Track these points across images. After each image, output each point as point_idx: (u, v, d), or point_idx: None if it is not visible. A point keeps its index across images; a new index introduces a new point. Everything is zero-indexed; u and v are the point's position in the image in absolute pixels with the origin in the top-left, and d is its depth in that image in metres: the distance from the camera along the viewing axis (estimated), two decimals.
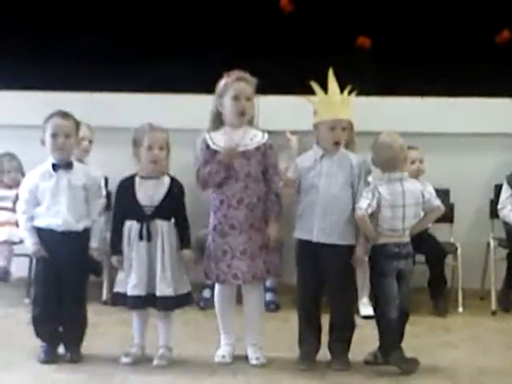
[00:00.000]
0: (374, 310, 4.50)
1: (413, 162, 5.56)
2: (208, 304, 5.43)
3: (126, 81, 6.10)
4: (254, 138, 4.49)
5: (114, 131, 5.87)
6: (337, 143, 4.42)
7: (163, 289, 4.39)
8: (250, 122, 4.54)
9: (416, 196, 4.43)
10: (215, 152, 4.46)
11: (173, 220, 4.47)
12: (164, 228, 4.43)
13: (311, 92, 4.49)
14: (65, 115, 4.51)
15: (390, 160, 4.42)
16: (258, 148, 4.48)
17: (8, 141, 6.08)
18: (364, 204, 4.34)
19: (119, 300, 4.49)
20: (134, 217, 4.42)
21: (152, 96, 6.16)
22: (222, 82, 4.51)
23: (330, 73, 4.42)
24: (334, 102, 4.42)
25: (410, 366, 4.33)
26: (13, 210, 5.57)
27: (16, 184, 5.71)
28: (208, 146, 4.49)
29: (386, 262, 4.38)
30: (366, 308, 5.45)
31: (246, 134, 4.48)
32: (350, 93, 4.43)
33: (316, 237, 4.39)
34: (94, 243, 4.51)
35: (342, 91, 4.42)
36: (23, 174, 5.59)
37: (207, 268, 4.53)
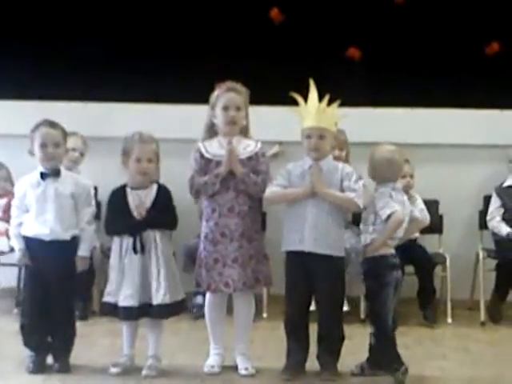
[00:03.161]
0: (373, 324, 4.43)
1: (403, 176, 5.54)
2: (201, 311, 5.42)
3: (117, 91, 6.10)
4: (246, 147, 4.52)
5: (105, 141, 5.87)
6: (314, 151, 4.42)
7: (159, 297, 4.38)
8: (244, 132, 4.56)
9: (408, 208, 4.47)
10: (209, 161, 4.49)
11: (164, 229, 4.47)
12: (157, 237, 4.42)
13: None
14: (52, 124, 4.48)
15: (396, 171, 4.46)
16: (250, 158, 4.50)
17: None
18: (398, 207, 4.33)
19: (108, 310, 4.47)
20: (126, 228, 4.41)
21: (143, 106, 6.16)
22: (214, 94, 4.55)
23: (311, 83, 4.44)
24: (311, 110, 4.43)
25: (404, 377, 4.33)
26: (2, 219, 5.58)
27: (5, 193, 5.71)
28: (202, 155, 4.51)
29: (390, 272, 4.37)
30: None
31: (238, 144, 4.49)
32: (330, 103, 4.42)
33: (308, 247, 4.38)
34: (81, 252, 4.49)
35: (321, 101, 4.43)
36: (12, 183, 5.59)
37: (198, 276, 4.53)
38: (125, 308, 4.38)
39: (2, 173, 5.90)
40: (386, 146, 4.53)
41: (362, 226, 4.46)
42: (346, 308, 5.37)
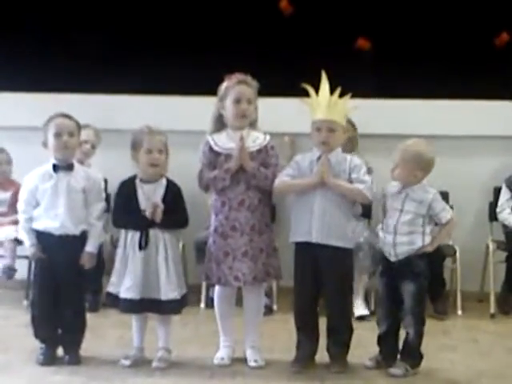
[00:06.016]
0: (419, 322, 4.39)
1: None
2: None
3: (125, 82, 6.10)
4: (256, 140, 4.50)
5: (114, 133, 5.87)
6: (323, 144, 4.40)
7: (170, 293, 4.38)
8: (253, 125, 4.54)
9: None
10: (218, 154, 4.47)
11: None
12: (166, 235, 4.42)
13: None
14: (67, 116, 4.51)
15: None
16: (259, 150, 4.48)
17: (4, 142, 6.07)
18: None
19: (110, 301, 4.48)
20: (134, 223, 4.41)
21: (151, 98, 6.16)
22: (223, 85, 4.51)
23: (323, 75, 4.42)
24: (321, 103, 4.40)
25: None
26: (7, 214, 5.61)
27: (7, 183, 5.72)
28: (211, 149, 4.49)
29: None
30: (359, 309, 5.46)
31: (247, 137, 4.47)
32: (341, 95, 4.40)
33: (315, 238, 4.37)
34: (88, 247, 4.48)
35: (332, 93, 4.41)
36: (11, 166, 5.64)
37: (208, 270, 4.52)
38: (125, 300, 4.39)
39: (2, 156, 5.89)
40: (421, 142, 4.50)
41: (407, 227, 4.38)
42: (365, 312, 5.39)
